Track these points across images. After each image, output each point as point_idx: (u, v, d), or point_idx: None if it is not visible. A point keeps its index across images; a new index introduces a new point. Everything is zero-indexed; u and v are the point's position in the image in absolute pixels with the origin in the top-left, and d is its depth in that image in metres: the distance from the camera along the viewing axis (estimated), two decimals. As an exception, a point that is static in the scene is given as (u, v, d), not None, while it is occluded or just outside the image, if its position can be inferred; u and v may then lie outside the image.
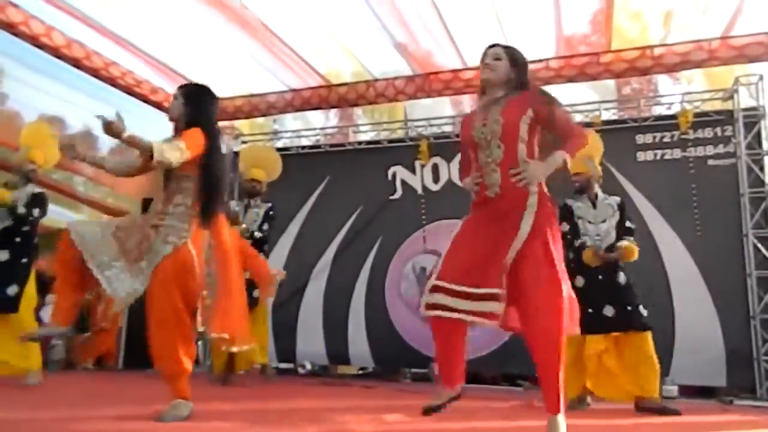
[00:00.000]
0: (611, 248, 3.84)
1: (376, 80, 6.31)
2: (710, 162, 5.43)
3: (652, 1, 5.29)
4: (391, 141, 6.72)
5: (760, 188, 5.25)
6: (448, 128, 6.42)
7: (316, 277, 6.43)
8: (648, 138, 5.66)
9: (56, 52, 5.71)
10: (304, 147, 7.08)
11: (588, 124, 5.90)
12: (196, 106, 2.83)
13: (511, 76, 2.51)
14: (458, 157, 3.67)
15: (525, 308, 2.29)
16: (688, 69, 5.97)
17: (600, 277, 3.82)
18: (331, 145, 6.99)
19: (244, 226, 4.88)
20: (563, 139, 2.41)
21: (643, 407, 3.66)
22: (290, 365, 6.59)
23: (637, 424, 3.27)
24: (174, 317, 2.60)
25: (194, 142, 2.68)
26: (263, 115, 7.39)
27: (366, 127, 8.08)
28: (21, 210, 4.14)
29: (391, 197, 6.36)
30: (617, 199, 4.07)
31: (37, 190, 4.32)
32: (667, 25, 5.44)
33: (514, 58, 2.54)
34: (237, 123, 7.42)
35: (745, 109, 5.43)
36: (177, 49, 6.04)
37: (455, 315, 2.26)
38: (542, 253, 2.27)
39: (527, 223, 2.29)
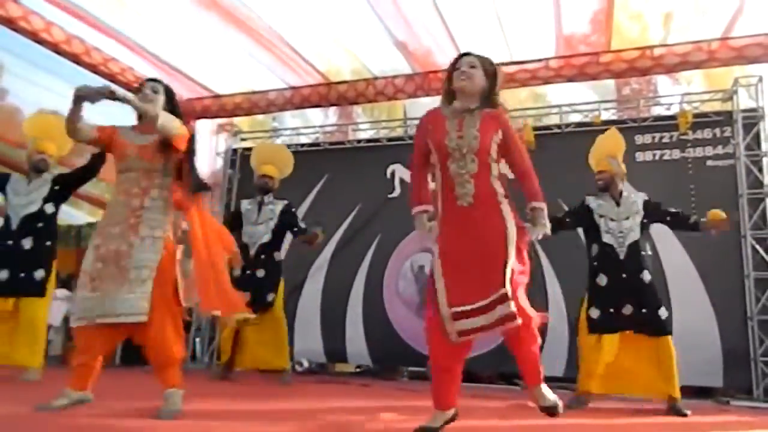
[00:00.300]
0: (637, 244, 3.84)
1: (376, 78, 6.31)
2: (709, 163, 5.44)
3: (652, 1, 5.29)
4: (390, 139, 6.72)
5: (759, 189, 5.26)
6: (447, 127, 6.41)
7: (314, 274, 6.42)
8: (647, 138, 5.67)
9: (56, 48, 5.71)
10: (303, 145, 7.08)
11: (588, 124, 5.92)
12: (175, 103, 2.99)
13: (484, 86, 2.52)
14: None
15: None
16: (687, 70, 5.98)
17: (624, 275, 3.81)
18: (331, 143, 6.99)
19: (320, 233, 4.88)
20: (522, 177, 2.50)
21: (675, 410, 3.66)
22: (288, 363, 6.58)
23: (634, 423, 3.28)
24: (166, 307, 2.70)
25: (186, 132, 2.84)
26: (263, 113, 7.39)
27: (365, 125, 8.10)
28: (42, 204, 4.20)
29: (390, 195, 6.36)
30: (643, 195, 4.04)
31: (56, 171, 4.34)
32: (668, 25, 5.44)
33: (488, 68, 2.55)
34: (236, 120, 7.42)
35: (744, 110, 5.44)
36: (176, 46, 6.04)
37: (482, 332, 2.29)
38: (516, 262, 2.36)
39: (512, 230, 2.36)
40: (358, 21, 5.36)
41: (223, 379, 4.91)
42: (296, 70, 6.36)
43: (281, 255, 5.04)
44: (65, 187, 4.32)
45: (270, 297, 4.79)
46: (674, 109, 5.79)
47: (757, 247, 5.13)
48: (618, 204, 3.97)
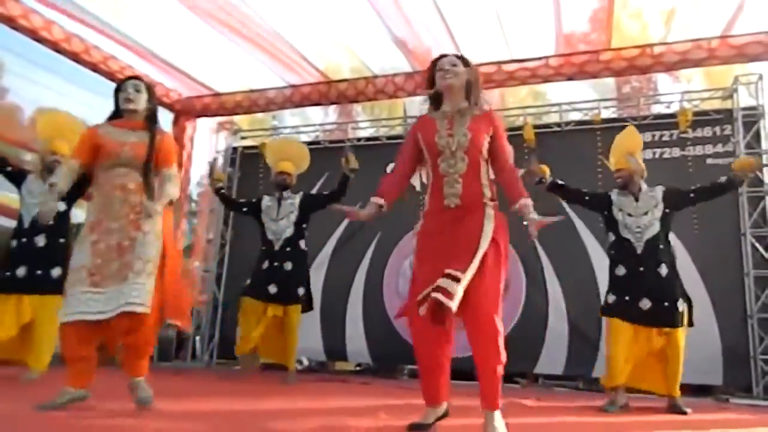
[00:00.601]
0: (655, 239, 3.85)
1: (376, 77, 6.31)
2: (709, 161, 5.44)
3: (652, -1, 5.30)
4: (390, 137, 6.72)
5: (759, 188, 5.26)
6: (447, 125, 6.41)
7: (314, 272, 6.39)
8: (647, 137, 5.65)
9: (55, 46, 5.71)
10: (303, 143, 7.07)
11: (588, 122, 5.92)
12: (155, 100, 3.09)
13: (469, 83, 2.53)
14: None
15: (470, 310, 2.28)
16: (687, 68, 5.97)
17: (641, 269, 3.82)
18: (330, 142, 6.98)
19: None
20: (507, 179, 2.48)
21: (674, 407, 3.69)
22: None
23: (634, 421, 3.28)
24: (158, 300, 2.82)
25: (176, 157, 3.05)
26: (262, 111, 7.40)
27: (365, 123, 8.08)
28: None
29: (390, 194, 6.36)
30: (661, 187, 4.03)
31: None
32: (668, 23, 5.44)
33: (468, 64, 2.56)
34: (236, 118, 7.43)
35: (744, 109, 5.43)
36: (176, 44, 6.04)
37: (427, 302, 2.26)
38: (492, 264, 2.31)
39: (489, 227, 2.34)
40: (358, 19, 5.36)
41: (250, 368, 4.96)
42: (296, 69, 6.36)
43: (305, 244, 5.05)
44: (76, 187, 4.30)
45: (300, 291, 4.84)
46: (674, 108, 5.78)
47: (757, 245, 5.13)
48: (637, 199, 3.98)
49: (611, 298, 3.90)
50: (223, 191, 5.37)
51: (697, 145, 5.49)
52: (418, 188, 6.27)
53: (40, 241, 4.12)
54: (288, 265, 4.83)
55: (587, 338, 5.25)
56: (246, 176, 7.01)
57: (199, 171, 13.04)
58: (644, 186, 4.03)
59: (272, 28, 5.63)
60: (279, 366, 5.09)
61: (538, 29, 5.43)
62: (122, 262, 2.73)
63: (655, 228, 3.88)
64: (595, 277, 5.37)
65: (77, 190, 4.26)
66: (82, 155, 2.89)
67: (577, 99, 6.45)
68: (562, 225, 5.64)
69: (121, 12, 5.52)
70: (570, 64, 5.71)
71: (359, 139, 6.82)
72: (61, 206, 4.22)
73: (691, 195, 4.00)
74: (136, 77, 3.08)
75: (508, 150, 2.55)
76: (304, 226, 5.02)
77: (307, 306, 4.99)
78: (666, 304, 3.73)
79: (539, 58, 5.75)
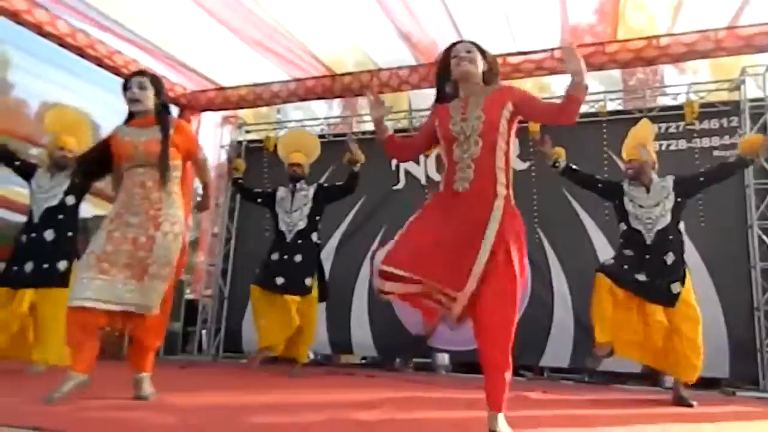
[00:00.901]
0: (666, 230, 3.85)
1: (380, 70, 6.29)
2: (716, 153, 5.41)
3: (658, -10, 5.25)
4: (395, 131, 6.66)
5: (766, 180, 5.23)
6: (452, 118, 6.39)
7: (323, 262, 6.43)
8: (653, 129, 5.63)
9: (60, 41, 5.71)
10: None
11: (593, 114, 5.89)
12: (164, 94, 3.07)
13: (485, 68, 2.48)
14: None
15: (479, 313, 2.23)
16: (694, 59, 5.92)
17: (648, 256, 3.84)
18: (335, 135, 6.98)
19: None
20: (558, 110, 2.35)
21: (680, 400, 3.70)
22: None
23: (639, 414, 3.28)
24: (168, 299, 2.90)
25: (196, 138, 3.14)
26: (267, 105, 7.38)
27: (369, 117, 8.06)
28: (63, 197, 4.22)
29: (395, 187, 6.37)
30: (672, 177, 4.03)
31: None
32: (675, 15, 5.39)
33: (483, 50, 2.51)
34: (241, 112, 7.43)
35: (751, 100, 5.40)
36: (180, 38, 6.02)
37: (407, 300, 2.28)
38: (504, 265, 2.24)
39: (492, 230, 2.25)
40: (363, 12, 5.33)
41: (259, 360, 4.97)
42: (300, 62, 6.35)
43: (317, 236, 5.06)
44: (85, 177, 4.29)
45: (308, 281, 4.82)
46: (681, 99, 5.75)
47: (764, 237, 5.11)
48: (648, 191, 3.98)
49: (609, 262, 3.98)
50: (240, 181, 5.36)
51: (703, 137, 5.46)
52: (423, 182, 6.28)
53: (49, 235, 4.12)
54: (297, 257, 4.84)
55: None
56: (251, 170, 6.99)
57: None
58: (655, 177, 4.03)
59: (276, 22, 5.62)
60: (283, 358, 5.09)
61: (544, 21, 5.39)
62: (135, 256, 2.75)
63: (666, 219, 3.89)
64: (600, 270, 5.35)
65: (86, 184, 4.28)
66: (111, 154, 2.96)
67: (583, 91, 6.40)
68: (567, 218, 5.65)
69: (124, 6, 5.51)
70: (576, 56, 5.66)
71: (364, 133, 6.80)
72: (70, 200, 4.24)
73: (701, 179, 4.01)
74: (141, 72, 3.06)
75: (544, 101, 2.50)
76: (318, 218, 5.03)
77: (320, 296, 4.99)
78: (658, 281, 3.76)
79: (545, 50, 5.72)
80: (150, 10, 5.54)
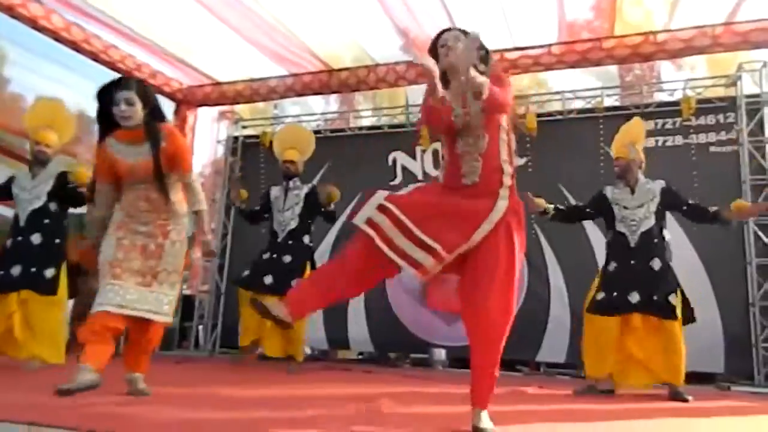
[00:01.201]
0: (649, 232, 3.85)
1: (377, 65, 6.28)
2: (712, 149, 5.42)
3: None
4: (392, 126, 6.70)
5: (762, 176, 5.25)
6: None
7: (317, 261, 6.42)
8: (650, 125, 5.63)
9: (55, 35, 5.68)
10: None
11: (590, 110, 5.90)
12: (154, 104, 2.84)
13: (474, 60, 2.31)
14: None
15: (473, 301, 2.17)
16: (691, 55, 5.93)
17: (632, 262, 3.84)
18: (332, 131, 6.97)
19: None
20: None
21: (676, 395, 3.69)
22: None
23: (636, 408, 3.29)
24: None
25: (190, 156, 2.95)
26: (263, 100, 7.37)
27: (367, 112, 8.07)
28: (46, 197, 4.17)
29: (392, 183, 6.36)
30: (661, 183, 4.02)
31: (62, 168, 4.24)
32: (672, 11, 5.39)
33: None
34: (237, 108, 7.41)
35: (748, 96, 5.41)
36: (177, 33, 6.00)
37: (386, 250, 2.10)
38: (506, 252, 2.19)
39: (498, 212, 2.20)
40: (360, 7, 5.32)
41: (247, 356, 4.99)
42: (297, 58, 6.33)
43: (309, 239, 5.03)
44: (64, 199, 4.26)
45: (295, 282, 4.80)
46: (677, 95, 5.76)
47: (760, 233, 5.13)
48: (633, 192, 3.98)
49: (600, 295, 3.90)
50: (243, 208, 5.30)
51: (700, 133, 5.47)
52: (420, 177, 6.28)
53: (36, 239, 4.10)
54: (287, 258, 4.82)
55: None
56: (247, 165, 7.01)
57: (200, 160, 13.05)
58: (642, 178, 4.02)
59: (273, 17, 5.60)
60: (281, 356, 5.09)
61: (541, 17, 5.39)
62: (145, 264, 2.78)
63: (651, 221, 3.88)
64: (597, 265, 5.30)
65: (72, 202, 4.26)
66: (106, 177, 2.86)
67: (580, 87, 6.42)
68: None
69: (120, 1, 5.48)
70: (573, 51, 5.67)
71: (361, 128, 6.81)
72: (53, 206, 4.19)
73: (685, 208, 3.98)
74: (126, 83, 2.79)
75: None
76: (310, 221, 4.99)
77: None
78: (655, 297, 3.73)
79: (542, 46, 5.72)
80: (146, 4, 5.51)
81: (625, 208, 3.95)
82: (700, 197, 5.23)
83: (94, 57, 6.08)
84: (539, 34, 5.62)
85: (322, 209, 4.92)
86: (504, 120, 2.31)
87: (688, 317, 3.84)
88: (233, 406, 2.72)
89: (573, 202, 5.47)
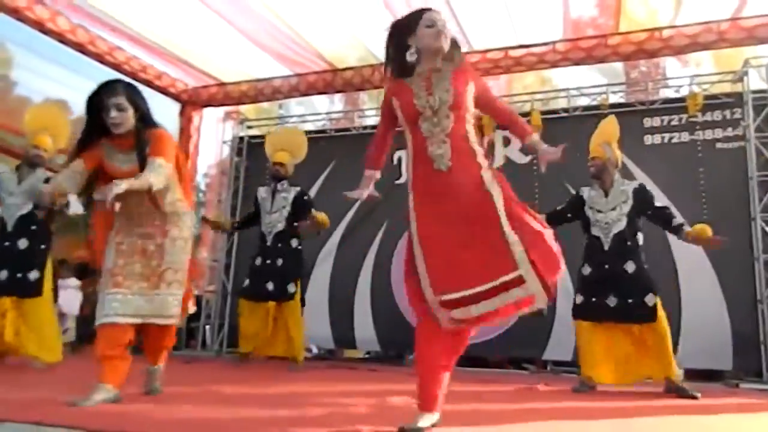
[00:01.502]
0: (621, 234, 3.85)
1: (382, 64, 6.26)
2: (719, 145, 5.39)
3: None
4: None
5: (769, 172, 5.21)
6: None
7: (322, 261, 6.44)
8: (656, 121, 5.62)
9: (61, 38, 5.71)
10: (309, 132, 7.04)
11: (595, 107, 5.87)
12: (145, 110, 2.76)
13: (454, 45, 2.35)
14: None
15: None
16: (697, 51, 5.90)
17: (606, 266, 3.84)
18: (336, 130, 6.97)
19: None
20: (509, 121, 2.37)
21: (670, 388, 3.72)
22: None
23: (642, 406, 3.28)
24: (184, 302, 2.91)
25: (168, 151, 2.71)
26: (268, 100, 7.38)
27: (371, 111, 8.04)
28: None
29: (397, 182, 6.35)
30: (635, 184, 4.01)
31: (49, 175, 4.21)
32: (678, 7, 5.37)
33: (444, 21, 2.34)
34: (242, 108, 7.42)
35: (754, 92, 5.37)
36: (181, 34, 6.02)
37: (487, 320, 2.11)
38: (522, 211, 2.17)
39: (497, 194, 2.15)
40: (364, 6, 5.32)
41: (243, 363, 4.99)
42: (301, 58, 6.34)
43: (297, 243, 5.05)
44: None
45: (291, 288, 4.85)
46: (683, 92, 5.72)
47: (767, 229, 5.09)
48: (606, 194, 3.97)
49: (579, 299, 3.96)
50: (236, 224, 5.45)
51: (706, 129, 5.44)
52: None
53: (23, 244, 4.14)
54: (279, 261, 4.87)
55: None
56: (253, 165, 7.02)
57: (206, 161, 13.08)
58: (618, 178, 4.00)
59: (278, 17, 5.60)
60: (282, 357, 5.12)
61: (545, 14, 5.38)
62: (148, 265, 2.74)
63: (622, 223, 3.86)
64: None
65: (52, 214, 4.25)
66: (89, 162, 2.70)
67: (585, 84, 6.40)
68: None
69: (125, 3, 5.50)
70: (578, 48, 5.65)
71: (365, 127, 6.80)
72: (40, 213, 4.20)
73: (650, 211, 3.94)
74: (115, 88, 2.69)
75: (500, 100, 2.44)
76: (296, 225, 4.98)
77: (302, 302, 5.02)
78: (631, 300, 3.73)
79: (546, 44, 5.70)
80: (151, 6, 5.53)
81: (599, 211, 3.95)
82: (706, 194, 5.24)
83: (100, 59, 6.11)
84: (544, 31, 5.61)
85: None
86: (470, 102, 2.28)
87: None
88: (241, 405, 2.73)
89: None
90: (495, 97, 2.41)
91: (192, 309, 3.05)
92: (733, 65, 5.80)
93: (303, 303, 5.06)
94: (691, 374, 5.00)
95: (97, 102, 2.66)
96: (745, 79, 5.42)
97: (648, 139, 5.59)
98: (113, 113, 2.63)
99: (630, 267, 3.81)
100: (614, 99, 5.98)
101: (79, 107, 4.99)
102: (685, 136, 5.51)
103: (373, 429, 2.17)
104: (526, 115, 5.94)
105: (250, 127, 7.36)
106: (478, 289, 2.08)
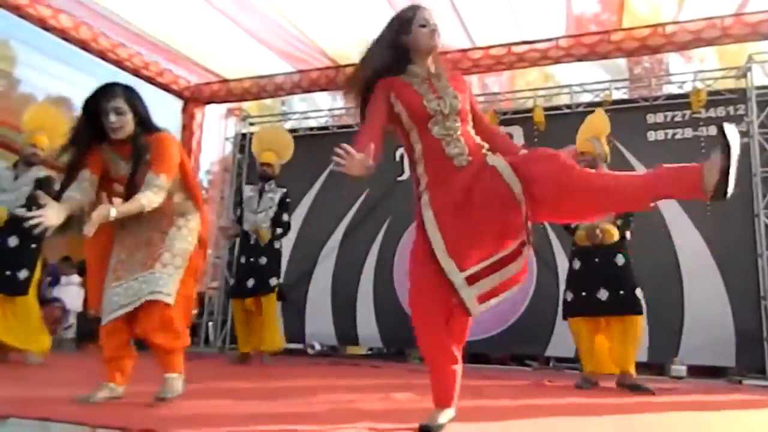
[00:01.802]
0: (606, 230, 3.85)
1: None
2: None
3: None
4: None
5: (773, 168, 5.20)
6: (456, 109, 6.38)
7: (325, 258, 6.45)
8: (659, 117, 5.61)
9: (63, 34, 5.71)
10: (311, 128, 7.07)
11: (598, 104, 5.85)
12: (144, 110, 2.68)
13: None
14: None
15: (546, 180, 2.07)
16: (700, 47, 5.87)
17: (597, 259, 3.85)
18: (339, 127, 6.97)
19: None
20: (488, 135, 2.34)
21: (623, 384, 3.76)
22: (299, 346, 6.64)
23: (643, 402, 3.28)
24: (186, 297, 2.74)
25: (172, 162, 2.63)
26: (271, 97, 7.38)
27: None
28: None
29: (399, 178, 6.35)
30: None
31: (42, 174, 4.25)
32: (681, 3, 5.35)
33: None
34: (245, 105, 7.42)
35: (758, 88, 5.36)
36: (184, 31, 6.02)
37: (501, 295, 2.12)
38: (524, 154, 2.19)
39: (507, 172, 2.11)
40: (367, 3, 5.31)
41: (243, 362, 5.01)
42: (304, 54, 6.33)
43: (279, 243, 5.12)
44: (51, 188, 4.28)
45: (273, 281, 4.92)
46: (687, 88, 5.71)
47: (771, 225, 5.08)
48: None
49: (569, 296, 3.97)
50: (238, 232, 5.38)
51: (709, 125, 5.42)
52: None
53: (13, 241, 4.15)
54: (263, 260, 4.93)
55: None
56: (255, 162, 7.01)
57: (208, 158, 13.08)
58: None
59: (280, 14, 5.60)
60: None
61: (548, 10, 5.36)
62: (149, 252, 2.63)
63: (611, 217, 3.85)
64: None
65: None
66: (95, 168, 2.63)
67: (588, 80, 6.38)
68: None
69: (128, 0, 5.50)
70: (581, 44, 5.64)
71: (368, 124, 6.79)
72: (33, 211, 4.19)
73: None
74: (112, 91, 2.61)
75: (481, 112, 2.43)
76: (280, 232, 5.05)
77: (280, 296, 5.07)
78: (622, 292, 3.77)
79: (549, 40, 5.69)
80: (153, 3, 5.53)
81: None
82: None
83: (102, 55, 6.11)
84: (547, 27, 5.59)
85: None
86: (468, 106, 2.30)
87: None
88: (245, 401, 2.74)
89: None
90: (479, 109, 2.40)
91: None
92: (737, 61, 5.78)
93: (281, 298, 5.13)
94: (694, 371, 5.01)
95: (95, 106, 2.59)
96: (749, 75, 5.40)
97: (651, 135, 5.58)
98: (112, 117, 2.55)
99: (620, 260, 3.83)
100: (617, 95, 5.97)
101: (81, 104, 5.00)
102: (689, 132, 5.50)
103: (378, 425, 2.18)
104: (528, 111, 5.94)
105: (252, 124, 7.36)
106: (501, 254, 2.11)
